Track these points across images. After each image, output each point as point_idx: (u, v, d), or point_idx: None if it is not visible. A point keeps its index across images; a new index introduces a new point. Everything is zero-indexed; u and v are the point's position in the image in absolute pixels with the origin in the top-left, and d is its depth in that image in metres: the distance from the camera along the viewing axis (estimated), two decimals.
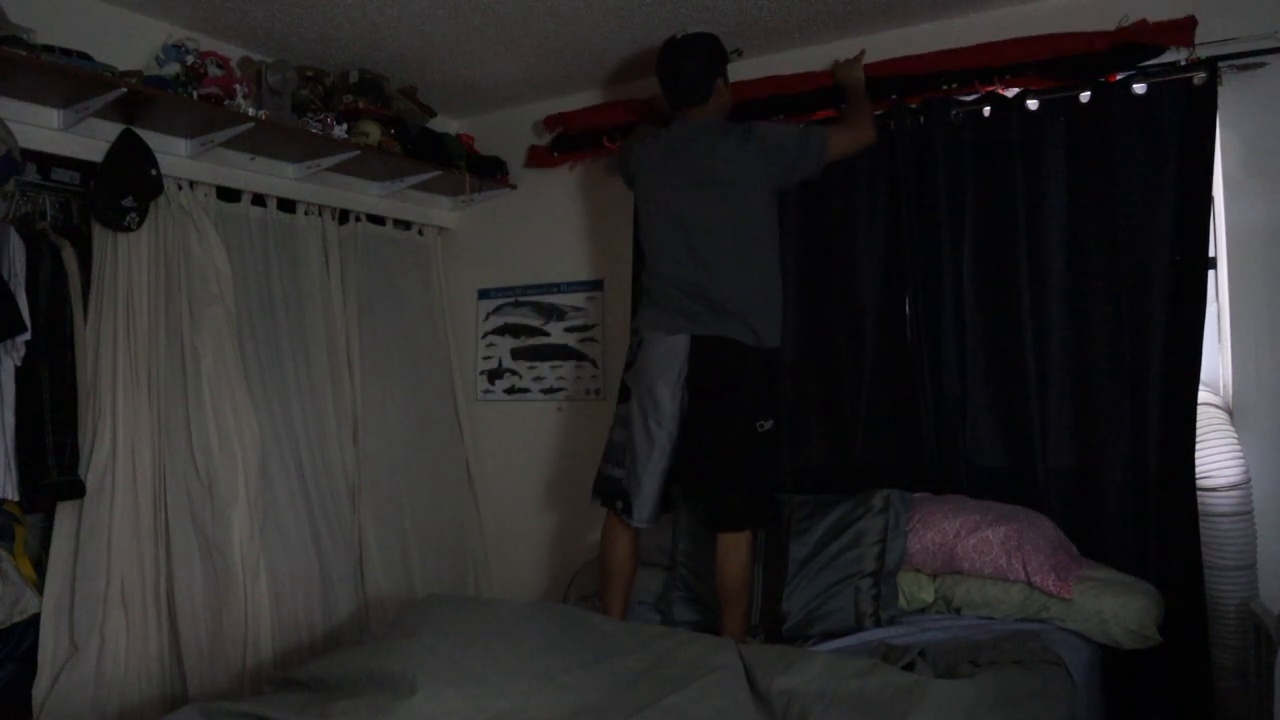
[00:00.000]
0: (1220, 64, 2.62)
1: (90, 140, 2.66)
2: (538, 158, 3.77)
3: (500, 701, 1.85)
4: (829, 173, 3.08)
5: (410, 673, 1.88)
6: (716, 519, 2.56)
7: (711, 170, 2.57)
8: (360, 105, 3.27)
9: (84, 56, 2.50)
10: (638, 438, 2.62)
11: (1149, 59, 2.71)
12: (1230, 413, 2.72)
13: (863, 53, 3.02)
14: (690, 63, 2.69)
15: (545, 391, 3.83)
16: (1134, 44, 2.69)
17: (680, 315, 2.57)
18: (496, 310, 3.96)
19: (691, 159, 2.61)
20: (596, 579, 2.85)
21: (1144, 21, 2.67)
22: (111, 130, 2.69)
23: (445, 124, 3.90)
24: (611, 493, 2.69)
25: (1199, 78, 2.63)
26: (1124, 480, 2.72)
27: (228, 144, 2.92)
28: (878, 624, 2.56)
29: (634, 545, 2.71)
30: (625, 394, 2.71)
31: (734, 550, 2.51)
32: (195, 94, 2.74)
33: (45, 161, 2.63)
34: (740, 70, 3.37)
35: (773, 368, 2.65)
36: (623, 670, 1.99)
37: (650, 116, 3.24)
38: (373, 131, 3.27)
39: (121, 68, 2.62)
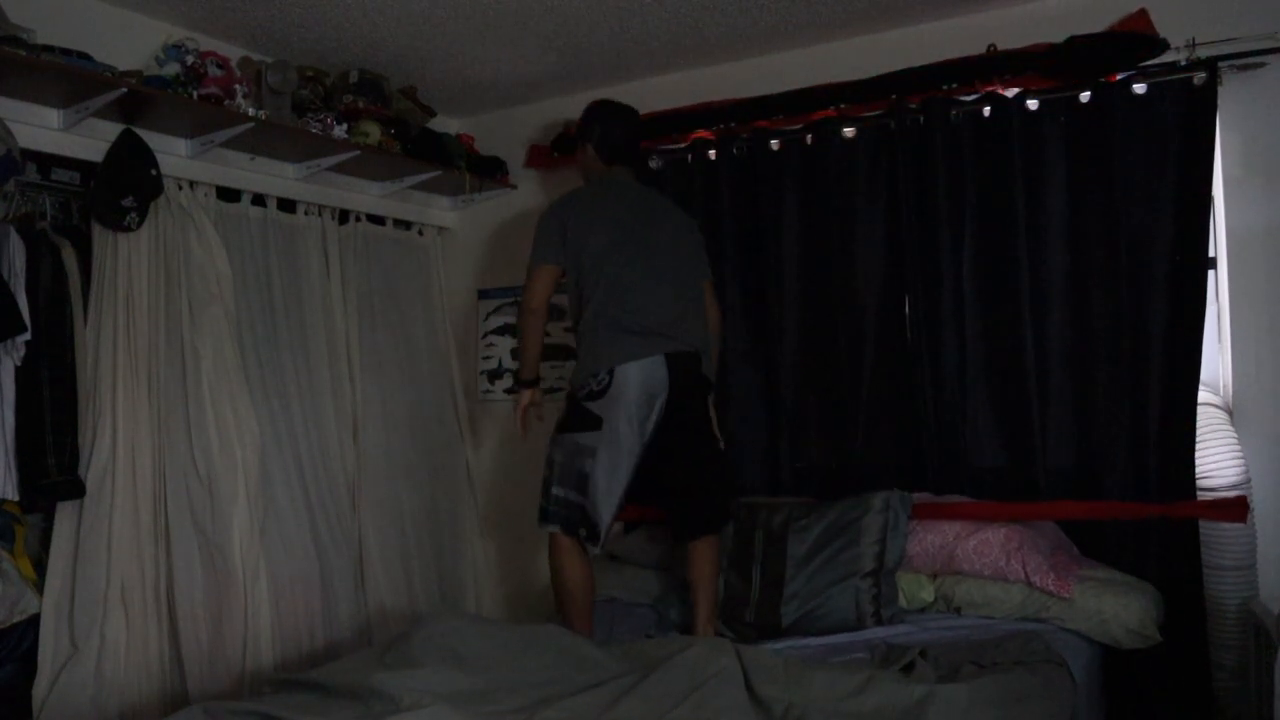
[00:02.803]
0: (1220, 64, 2.62)
1: (90, 140, 2.66)
2: (538, 158, 3.76)
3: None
4: (828, 173, 3.10)
5: (412, 687, 1.88)
6: (700, 528, 2.67)
7: (678, 237, 2.86)
8: (360, 105, 3.27)
9: (84, 56, 2.50)
10: (604, 468, 2.60)
11: (1150, 58, 2.70)
12: (1230, 413, 2.72)
13: None
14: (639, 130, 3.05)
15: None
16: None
17: (656, 337, 2.65)
18: (496, 310, 3.95)
19: (662, 219, 2.85)
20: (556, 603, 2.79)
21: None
22: (111, 130, 2.69)
23: (445, 124, 3.90)
24: (574, 520, 2.65)
25: (1199, 78, 2.63)
26: (1124, 480, 2.72)
27: (228, 144, 2.93)
28: (879, 623, 2.56)
29: (590, 565, 2.75)
30: (594, 423, 2.63)
31: (711, 548, 2.67)
32: (195, 94, 2.74)
33: (45, 161, 2.63)
34: (741, 72, 3.38)
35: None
36: (624, 687, 2.00)
37: None
38: (373, 131, 3.27)
39: (121, 68, 2.62)
